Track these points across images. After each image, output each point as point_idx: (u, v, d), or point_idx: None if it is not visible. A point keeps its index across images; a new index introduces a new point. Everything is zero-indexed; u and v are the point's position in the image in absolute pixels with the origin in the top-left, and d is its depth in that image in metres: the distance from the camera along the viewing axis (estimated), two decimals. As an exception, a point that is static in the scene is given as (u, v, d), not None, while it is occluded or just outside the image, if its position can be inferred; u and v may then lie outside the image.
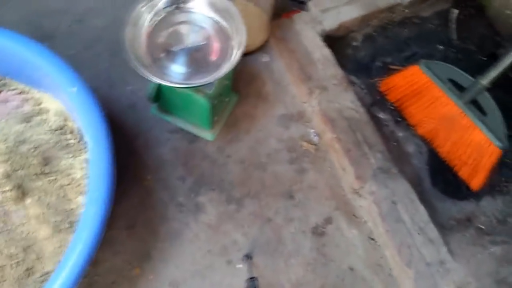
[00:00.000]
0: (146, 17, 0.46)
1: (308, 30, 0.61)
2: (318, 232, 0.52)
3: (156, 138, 0.55)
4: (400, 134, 0.60)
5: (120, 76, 0.57)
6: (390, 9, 0.66)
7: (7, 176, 0.41)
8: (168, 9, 0.47)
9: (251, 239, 0.50)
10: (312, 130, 0.57)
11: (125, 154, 0.52)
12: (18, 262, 0.39)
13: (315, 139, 0.57)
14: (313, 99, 0.57)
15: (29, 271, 0.40)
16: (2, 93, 0.48)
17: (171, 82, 0.44)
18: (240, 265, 0.49)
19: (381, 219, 0.51)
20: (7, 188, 0.40)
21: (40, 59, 0.45)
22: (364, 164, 0.53)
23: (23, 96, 0.49)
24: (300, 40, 0.61)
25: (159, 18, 0.47)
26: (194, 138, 0.55)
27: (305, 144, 0.56)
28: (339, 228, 0.52)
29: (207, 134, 0.55)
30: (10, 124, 0.45)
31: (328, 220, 0.52)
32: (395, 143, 0.59)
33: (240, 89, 0.58)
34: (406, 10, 0.68)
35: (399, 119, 0.60)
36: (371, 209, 0.52)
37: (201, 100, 0.49)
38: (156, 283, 0.47)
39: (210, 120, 0.53)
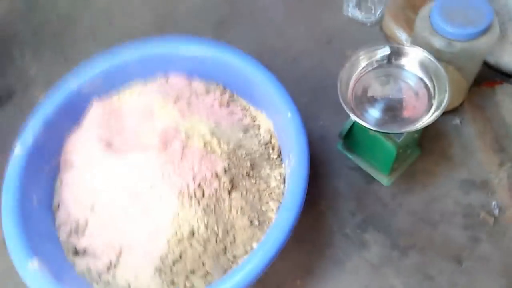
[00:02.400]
0: (361, 65, 0.54)
1: (509, 103, 0.60)
2: (481, 305, 0.50)
3: (336, 171, 0.61)
4: None
5: (315, 112, 0.66)
6: None
7: (225, 170, 0.51)
8: (381, 62, 0.54)
9: (408, 290, 0.52)
10: (494, 202, 0.56)
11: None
12: (219, 239, 0.48)
13: (496, 211, 0.55)
14: (502, 171, 0.56)
15: (224, 250, 0.49)
16: (231, 107, 0.60)
17: (369, 124, 0.50)
18: (393, 310, 0.50)
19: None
20: (224, 180, 0.50)
21: (266, 83, 0.56)
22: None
23: (244, 111, 0.61)
24: (499, 111, 0.61)
25: (371, 68, 0.54)
26: (370, 180, 0.59)
27: (483, 214, 0.55)
28: (505, 309, 0.49)
29: (383, 179, 0.59)
30: (233, 131, 0.56)
31: (495, 298, 0.50)
32: None
33: (425, 145, 0.61)
34: None
35: None
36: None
37: (388, 146, 0.54)
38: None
39: (390, 167, 0.57)
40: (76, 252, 0.51)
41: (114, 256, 0.50)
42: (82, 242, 0.51)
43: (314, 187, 0.58)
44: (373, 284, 0.52)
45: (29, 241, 0.48)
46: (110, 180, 0.51)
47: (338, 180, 0.60)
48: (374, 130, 0.50)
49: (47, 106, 0.58)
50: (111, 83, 0.62)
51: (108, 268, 0.50)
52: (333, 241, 0.55)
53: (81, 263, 0.51)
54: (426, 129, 0.61)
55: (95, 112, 0.60)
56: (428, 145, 0.61)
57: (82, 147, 0.56)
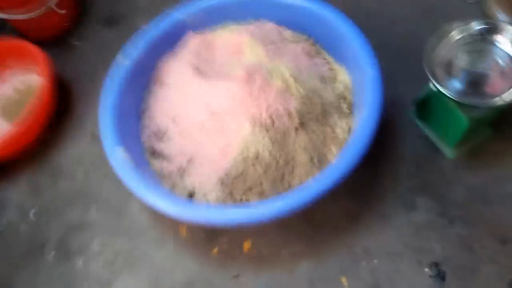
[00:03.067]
0: (454, 36, 0.54)
1: None
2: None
3: (403, 135, 0.62)
4: None
5: (395, 77, 0.66)
6: None
7: (297, 111, 0.54)
8: (476, 36, 0.54)
9: (447, 256, 0.53)
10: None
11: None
12: (279, 167, 0.53)
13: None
14: None
15: (282, 177, 0.53)
16: (315, 58, 0.63)
17: (449, 93, 0.50)
18: (427, 269, 0.52)
19: None
20: (294, 117, 0.54)
21: (353, 38, 0.58)
22: None
23: (326, 64, 0.63)
24: None
25: (463, 41, 0.54)
26: (434, 150, 0.60)
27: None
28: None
29: (448, 151, 0.59)
30: (312, 78, 0.59)
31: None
32: None
33: (499, 127, 0.60)
34: None
35: None
36: None
37: (461, 118, 0.54)
38: (353, 243, 0.55)
39: (458, 139, 0.57)
40: (153, 153, 0.59)
41: (185, 162, 0.56)
42: (160, 145, 0.59)
43: (377, 145, 0.59)
44: (414, 243, 0.54)
45: (119, 132, 0.56)
46: (194, 98, 0.58)
47: (402, 144, 0.61)
48: (452, 99, 0.50)
49: (153, 28, 0.65)
50: (210, 20, 0.67)
51: (178, 171, 0.56)
52: (385, 198, 0.57)
53: (155, 163, 0.58)
54: (504, 111, 0.60)
55: (190, 42, 0.66)
56: (503, 129, 0.60)
57: (174, 68, 0.63)
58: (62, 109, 0.73)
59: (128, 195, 0.61)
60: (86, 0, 0.89)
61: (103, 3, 0.88)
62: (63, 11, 0.80)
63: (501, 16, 0.67)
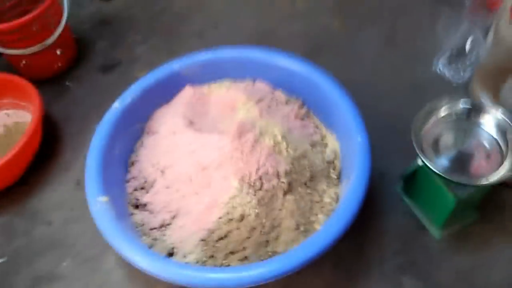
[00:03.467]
0: (440, 113, 0.55)
1: None
2: None
3: (390, 210, 0.62)
4: None
5: (382, 150, 0.66)
6: None
7: (287, 173, 0.54)
8: (461, 115, 0.55)
9: None
10: (545, 284, 0.54)
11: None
12: (264, 232, 0.52)
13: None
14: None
15: (266, 243, 0.52)
16: (305, 121, 0.64)
17: (437, 169, 0.51)
18: None
19: None
20: (283, 180, 0.54)
21: (343, 105, 0.60)
22: None
23: (315, 128, 0.65)
24: None
25: (449, 119, 0.56)
26: (421, 228, 0.59)
27: (530, 292, 0.54)
28: None
29: (435, 231, 0.59)
30: (302, 142, 0.60)
31: None
32: None
33: (486, 212, 0.60)
34: None
35: None
36: None
37: (448, 197, 0.54)
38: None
39: (445, 220, 0.57)
40: (136, 206, 0.57)
41: (168, 218, 0.55)
42: (145, 198, 0.57)
43: (364, 219, 0.59)
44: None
45: (104, 181, 0.54)
46: (185, 150, 0.57)
47: (389, 219, 0.61)
48: (441, 176, 0.51)
49: (150, 77, 0.66)
50: (206, 75, 0.69)
51: (160, 227, 0.54)
52: (370, 274, 0.56)
53: (137, 216, 0.56)
54: (490, 196, 0.61)
55: (186, 94, 0.67)
56: (490, 213, 0.60)
57: (168, 119, 0.63)
58: (49, 151, 0.72)
59: (105, 248, 0.59)
60: (84, 43, 0.91)
61: (101, 48, 0.90)
62: (59, 51, 0.82)
63: (485, 100, 0.69)
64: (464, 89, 0.76)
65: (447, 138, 0.55)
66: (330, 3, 0.95)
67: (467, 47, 0.78)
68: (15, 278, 0.58)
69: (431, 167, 0.51)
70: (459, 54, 0.79)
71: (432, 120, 0.56)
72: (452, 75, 0.77)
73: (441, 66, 0.78)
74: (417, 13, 0.91)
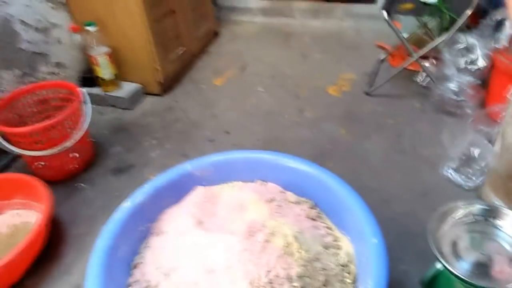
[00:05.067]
0: (455, 215, 0.54)
1: None
2: None
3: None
4: None
5: (398, 255, 0.65)
6: None
7: (299, 276, 0.51)
8: (478, 217, 0.54)
9: None
10: None
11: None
12: None
13: None
14: None
15: None
16: (317, 221, 0.63)
17: (459, 273, 0.48)
18: None
19: None
20: (295, 284, 0.50)
21: (356, 208, 0.58)
22: None
23: (327, 230, 0.63)
24: None
25: (467, 219, 0.54)
26: None
27: None
28: None
29: None
30: (314, 243, 0.58)
31: None
32: None
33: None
34: None
35: None
36: None
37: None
38: None
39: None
40: (137, 312, 0.53)
41: (170, 326, 0.50)
42: (146, 304, 0.53)
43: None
44: None
45: (104, 285, 0.51)
46: (192, 250, 0.55)
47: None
48: (464, 281, 0.47)
49: (162, 177, 0.66)
50: (218, 176, 0.70)
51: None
52: None
53: (138, 324, 0.52)
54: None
55: (196, 194, 0.67)
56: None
57: (177, 218, 0.62)
58: (52, 253, 0.70)
59: None
60: (100, 147, 0.95)
61: (116, 152, 0.94)
62: (75, 155, 0.85)
63: (498, 203, 0.68)
64: (475, 195, 0.75)
65: (466, 242, 0.53)
66: (337, 113, 1.01)
67: (476, 154, 0.80)
68: None
69: (453, 271, 0.48)
70: (467, 160, 0.80)
71: (449, 222, 0.54)
72: (463, 180, 0.77)
73: (451, 172, 0.79)
74: (421, 124, 0.96)
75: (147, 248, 0.61)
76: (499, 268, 0.50)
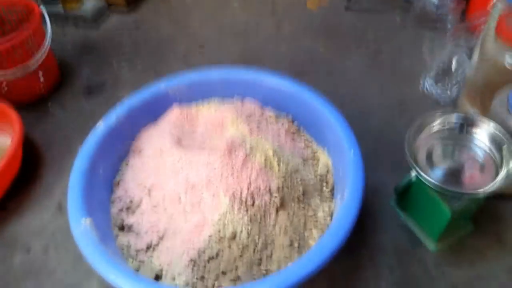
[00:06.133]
0: (432, 125, 0.55)
1: None
2: None
3: (384, 225, 0.60)
4: None
5: (373, 165, 0.65)
6: None
7: (278, 188, 0.53)
8: (454, 126, 0.55)
9: None
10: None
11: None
12: (257, 250, 0.49)
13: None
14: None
15: (259, 261, 0.49)
16: (295, 137, 0.64)
17: (431, 181, 0.50)
18: None
19: None
20: (276, 196, 0.52)
21: (334, 121, 0.59)
22: None
23: (306, 143, 0.64)
24: None
25: (443, 128, 0.55)
26: (417, 242, 0.58)
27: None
28: None
29: (431, 244, 0.58)
30: (293, 157, 0.59)
31: None
32: None
33: (480, 224, 0.59)
34: None
35: None
36: None
37: (444, 209, 0.53)
38: None
39: (440, 232, 0.56)
40: (122, 227, 0.54)
41: (156, 238, 0.52)
42: (130, 219, 0.54)
43: (358, 235, 0.57)
44: None
45: (87, 202, 0.52)
46: (172, 169, 0.55)
47: (384, 235, 0.59)
48: (436, 186, 0.50)
49: (135, 97, 0.64)
50: (194, 94, 0.68)
51: (147, 249, 0.52)
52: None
53: (123, 238, 0.53)
54: (485, 208, 0.60)
55: (173, 113, 0.65)
56: (484, 225, 0.60)
57: (155, 138, 0.62)
58: (30, 176, 0.69)
59: (88, 274, 0.56)
60: (67, 68, 0.91)
61: (85, 73, 0.89)
62: (41, 76, 0.80)
63: (475, 115, 0.70)
64: (452, 107, 0.77)
65: (440, 151, 0.54)
66: (315, 29, 0.97)
67: (453, 66, 0.80)
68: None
69: (426, 178, 0.50)
70: (445, 73, 0.80)
71: (425, 133, 0.56)
72: (440, 93, 0.78)
73: (428, 86, 0.79)
74: (400, 37, 0.93)
75: (128, 166, 0.60)
76: (470, 174, 0.52)
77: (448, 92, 0.78)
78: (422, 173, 0.50)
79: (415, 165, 0.51)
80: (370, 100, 0.79)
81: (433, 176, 0.51)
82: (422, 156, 0.54)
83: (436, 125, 0.56)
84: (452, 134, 0.56)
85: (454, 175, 0.52)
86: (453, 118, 0.55)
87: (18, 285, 0.56)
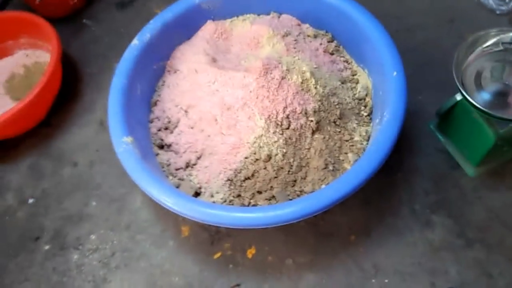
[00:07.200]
0: (485, 45, 0.51)
1: None
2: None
3: (422, 148, 0.59)
4: None
5: (416, 86, 0.63)
6: None
7: (315, 111, 0.52)
8: (509, 46, 0.50)
9: (463, 281, 0.50)
10: None
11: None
12: (292, 171, 0.50)
13: None
14: None
15: (293, 182, 0.50)
16: (334, 56, 0.60)
17: (478, 104, 0.47)
18: (443, 293, 0.49)
19: None
20: (312, 119, 0.51)
21: (378, 41, 0.55)
22: None
23: (346, 64, 0.61)
24: None
25: (497, 50, 0.51)
26: (454, 166, 0.57)
27: None
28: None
29: (470, 169, 0.56)
30: (331, 78, 0.56)
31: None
32: None
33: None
34: None
35: None
36: None
37: (488, 134, 0.51)
38: (362, 258, 0.52)
39: (482, 157, 0.54)
40: (161, 146, 0.56)
41: (194, 157, 0.53)
42: (169, 138, 0.56)
43: (395, 157, 0.57)
44: (427, 263, 0.51)
45: (128, 122, 0.53)
46: (209, 89, 0.55)
47: (421, 157, 0.58)
48: (482, 111, 0.47)
49: (169, 12, 0.62)
50: (229, 9, 0.65)
51: (186, 167, 0.54)
52: (399, 212, 0.55)
53: (163, 156, 0.55)
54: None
55: (207, 30, 0.63)
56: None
57: (189, 56, 0.60)
58: (70, 92, 0.71)
59: (131, 188, 0.59)
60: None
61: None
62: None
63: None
64: (508, 19, 0.69)
65: (491, 71, 0.50)
66: None
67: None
68: (44, 218, 0.60)
69: (472, 101, 0.47)
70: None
71: (476, 52, 0.51)
72: (495, 2, 0.70)
73: (484, -5, 0.71)
74: None
75: (164, 86, 0.60)
76: (524, 97, 0.49)
77: (507, 1, 0.70)
78: (468, 95, 0.47)
79: (461, 86, 0.48)
80: (417, 14, 0.72)
81: (480, 99, 0.48)
82: (470, 77, 0.50)
83: (489, 45, 0.51)
84: (505, 56, 0.51)
85: (503, 99, 0.49)
86: (509, 38, 0.50)
87: (68, 196, 0.61)
